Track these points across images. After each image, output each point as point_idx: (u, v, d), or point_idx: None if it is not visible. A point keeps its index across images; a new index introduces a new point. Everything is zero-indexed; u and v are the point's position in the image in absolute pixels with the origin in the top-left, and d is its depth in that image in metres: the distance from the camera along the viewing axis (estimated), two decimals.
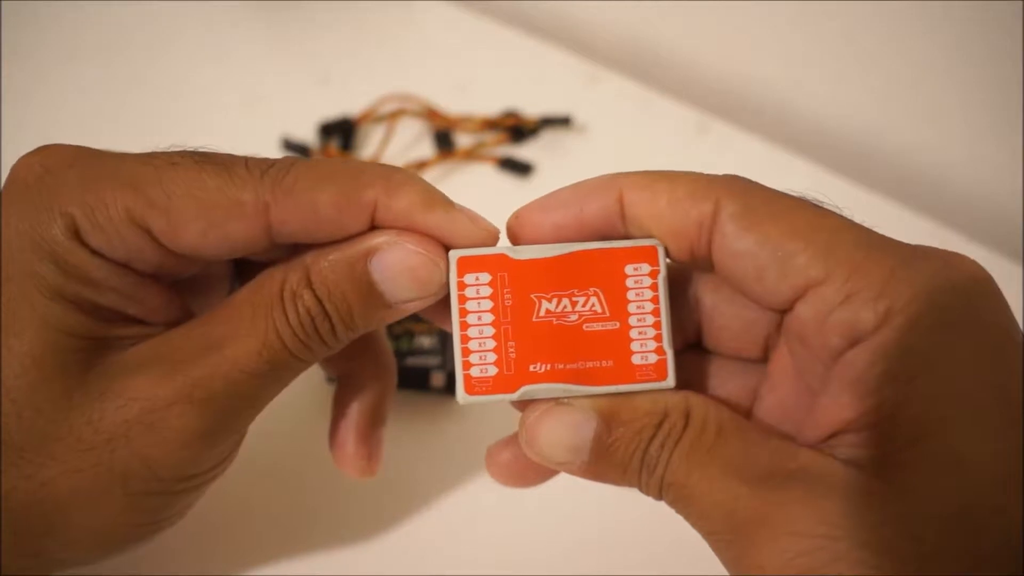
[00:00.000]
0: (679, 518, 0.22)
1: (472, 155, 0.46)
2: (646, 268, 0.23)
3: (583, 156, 0.46)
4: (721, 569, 0.22)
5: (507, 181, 0.46)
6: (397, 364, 0.31)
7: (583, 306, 0.23)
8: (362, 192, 0.24)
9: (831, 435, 0.21)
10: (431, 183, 0.25)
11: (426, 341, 0.35)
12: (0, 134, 0.47)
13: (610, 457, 0.22)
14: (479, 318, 0.23)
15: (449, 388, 0.36)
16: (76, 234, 0.23)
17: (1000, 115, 0.47)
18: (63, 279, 0.23)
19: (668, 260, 0.23)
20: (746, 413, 0.24)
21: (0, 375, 0.23)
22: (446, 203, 0.24)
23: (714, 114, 0.47)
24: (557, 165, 0.46)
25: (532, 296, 0.23)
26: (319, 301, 0.24)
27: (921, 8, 0.47)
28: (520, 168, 0.46)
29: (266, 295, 0.24)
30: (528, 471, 0.26)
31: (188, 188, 0.23)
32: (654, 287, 0.23)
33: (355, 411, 0.30)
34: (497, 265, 0.23)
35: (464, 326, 0.23)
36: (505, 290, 0.23)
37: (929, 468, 0.19)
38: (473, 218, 0.24)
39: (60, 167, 0.24)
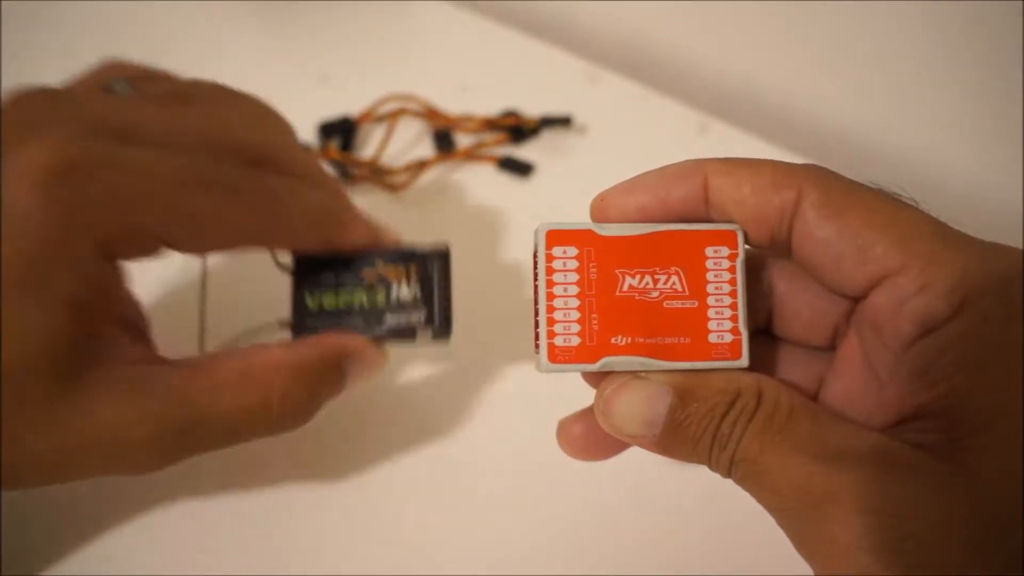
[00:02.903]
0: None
1: (472, 155, 0.46)
2: (725, 251, 0.24)
3: (583, 156, 0.46)
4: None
5: (507, 181, 0.46)
6: (375, 323, 0.31)
7: (664, 284, 0.24)
8: (336, 232, 0.31)
9: (899, 421, 0.22)
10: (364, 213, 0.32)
11: (405, 292, 0.31)
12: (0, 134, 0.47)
13: (682, 432, 0.23)
14: (565, 289, 0.23)
15: (436, 339, 0.32)
16: (105, 253, 0.27)
17: (1000, 115, 0.47)
18: (78, 288, 0.26)
19: (747, 245, 0.24)
20: (812, 399, 0.25)
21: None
22: (377, 231, 0.32)
23: (714, 114, 0.47)
24: (557, 165, 0.46)
25: (616, 271, 0.24)
26: (310, 398, 0.29)
27: (921, 8, 0.47)
28: (520, 168, 0.46)
29: (258, 377, 0.28)
30: (599, 444, 0.27)
31: (204, 213, 0.28)
32: (732, 270, 0.24)
33: None
34: (584, 240, 0.24)
35: (551, 296, 0.23)
36: (591, 264, 0.24)
37: (999, 453, 0.20)
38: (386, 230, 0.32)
39: (79, 175, 0.26)
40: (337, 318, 0.31)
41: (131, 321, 0.29)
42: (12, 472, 0.26)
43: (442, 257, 0.32)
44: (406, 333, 0.31)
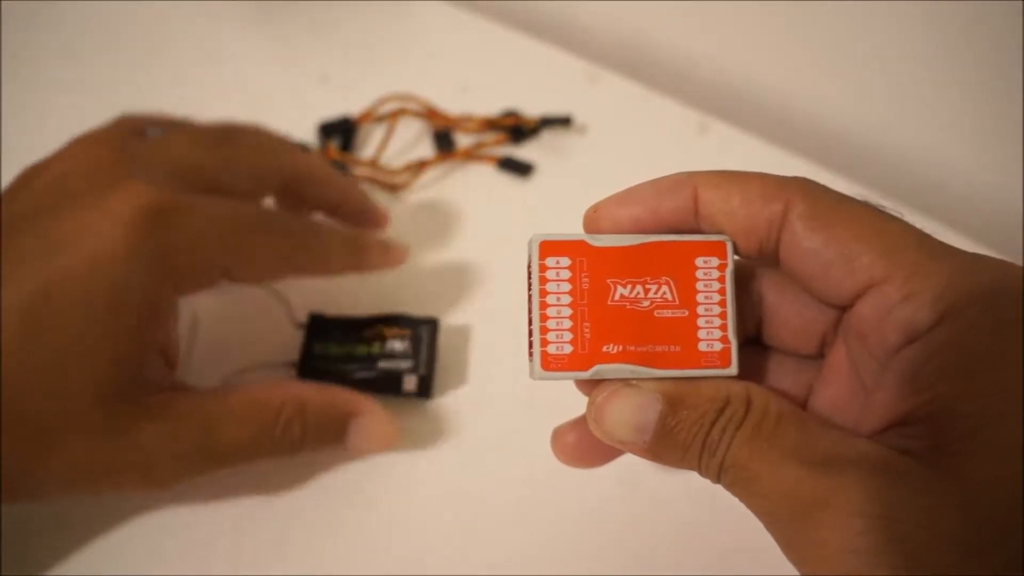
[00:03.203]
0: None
1: (472, 155, 0.46)
2: (715, 262, 0.24)
3: (583, 156, 0.46)
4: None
5: (507, 181, 0.46)
6: (369, 369, 0.35)
7: (655, 293, 0.24)
8: (359, 264, 0.36)
9: (886, 428, 0.22)
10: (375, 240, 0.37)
11: (398, 345, 0.36)
12: (0, 133, 0.47)
13: (672, 438, 0.23)
14: (558, 299, 0.24)
15: (420, 392, 0.36)
16: (177, 287, 0.31)
17: (1000, 115, 0.47)
18: (148, 323, 0.30)
19: (736, 256, 0.24)
20: (801, 406, 0.25)
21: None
22: (389, 250, 0.37)
23: (714, 114, 0.47)
24: (557, 165, 0.46)
25: (608, 281, 0.24)
26: (304, 434, 0.32)
27: (921, 8, 0.47)
28: (520, 168, 0.46)
29: (264, 408, 0.31)
30: (591, 452, 0.27)
31: (264, 251, 0.33)
32: (722, 279, 0.24)
33: None
34: (577, 250, 0.24)
35: (544, 305, 0.24)
36: (583, 274, 0.24)
37: (985, 458, 0.20)
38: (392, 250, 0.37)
39: (164, 221, 0.30)
40: (337, 362, 0.36)
41: (167, 350, 0.32)
42: (54, 482, 0.29)
43: (432, 324, 0.37)
44: (393, 377, 0.36)
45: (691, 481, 0.34)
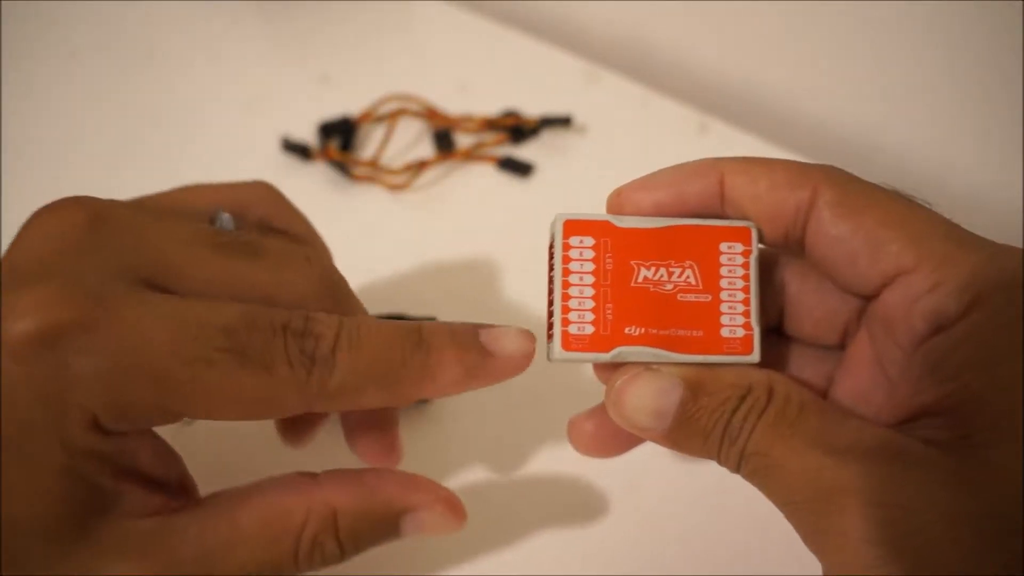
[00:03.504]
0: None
1: (472, 155, 0.46)
2: (739, 248, 0.24)
3: (583, 156, 0.46)
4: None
5: (507, 181, 0.46)
6: None
7: (678, 277, 0.24)
8: (405, 391, 0.25)
9: (908, 419, 0.22)
10: (465, 338, 0.26)
11: None
12: (0, 133, 0.47)
13: (692, 425, 0.23)
14: (581, 278, 0.24)
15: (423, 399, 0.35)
16: (93, 426, 0.23)
17: (1000, 115, 0.47)
18: (71, 460, 0.23)
19: (760, 244, 0.24)
20: (822, 396, 0.25)
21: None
22: (480, 357, 0.26)
23: (714, 114, 0.47)
24: (557, 165, 0.46)
25: (632, 263, 0.24)
26: (341, 549, 0.25)
27: (921, 8, 0.47)
28: (520, 168, 0.46)
29: (281, 526, 0.25)
30: (609, 441, 0.27)
31: (226, 392, 0.23)
32: (746, 266, 0.24)
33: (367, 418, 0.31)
34: (601, 231, 0.24)
35: (566, 284, 0.24)
36: (607, 255, 0.24)
37: (1008, 450, 0.20)
38: (510, 338, 0.26)
39: (64, 345, 0.22)
40: None
41: (146, 471, 0.25)
42: None
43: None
44: None
45: (695, 480, 0.34)
